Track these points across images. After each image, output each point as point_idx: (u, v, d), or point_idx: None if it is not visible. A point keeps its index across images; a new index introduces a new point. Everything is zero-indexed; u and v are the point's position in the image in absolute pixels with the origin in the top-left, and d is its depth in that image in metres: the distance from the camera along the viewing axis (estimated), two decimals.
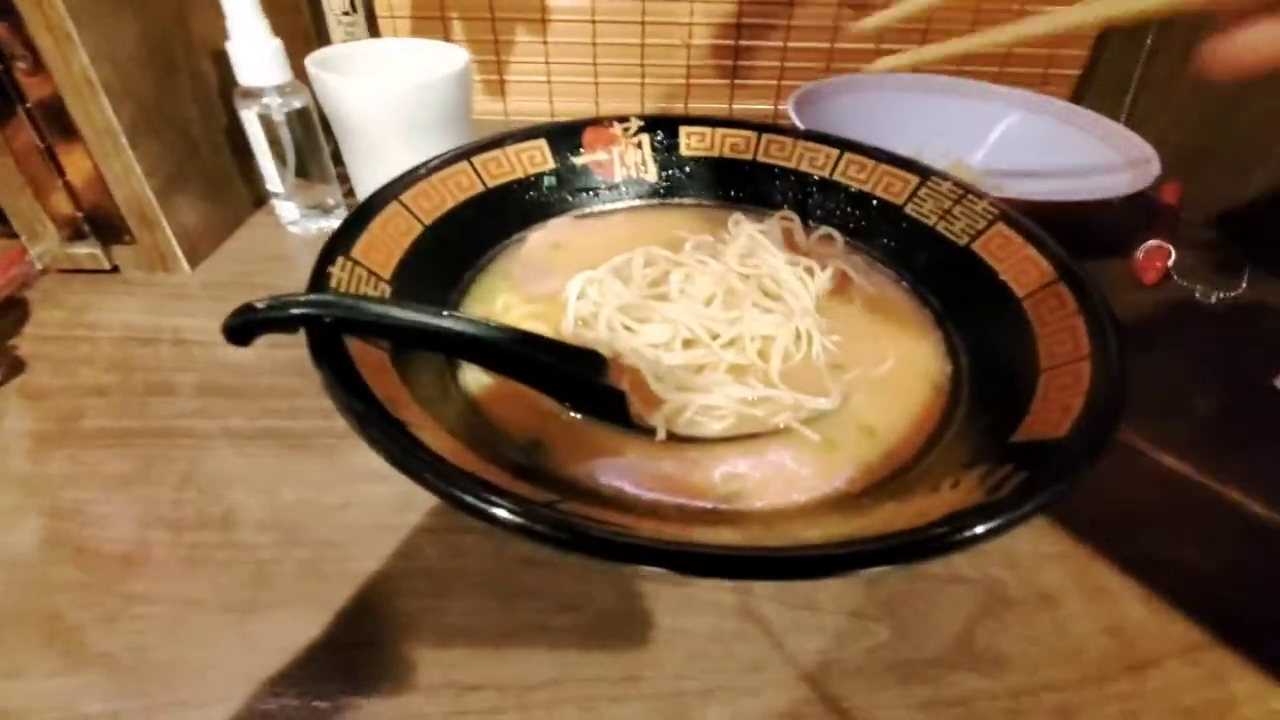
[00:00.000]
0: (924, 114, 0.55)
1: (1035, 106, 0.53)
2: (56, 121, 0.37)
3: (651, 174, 0.39)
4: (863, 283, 0.33)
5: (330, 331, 0.21)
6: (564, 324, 0.29)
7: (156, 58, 0.39)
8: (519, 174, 0.36)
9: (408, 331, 0.23)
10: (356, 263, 0.26)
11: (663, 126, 0.39)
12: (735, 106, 0.70)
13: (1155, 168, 0.43)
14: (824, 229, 0.36)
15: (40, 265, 0.40)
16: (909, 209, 0.35)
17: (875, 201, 0.36)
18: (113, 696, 0.22)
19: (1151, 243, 0.45)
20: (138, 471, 0.30)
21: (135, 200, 0.39)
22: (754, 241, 0.33)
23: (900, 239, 0.35)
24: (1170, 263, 0.44)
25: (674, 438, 0.25)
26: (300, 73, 0.42)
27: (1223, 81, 0.21)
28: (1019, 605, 0.26)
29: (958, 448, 0.24)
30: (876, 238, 0.36)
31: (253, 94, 0.42)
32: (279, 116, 0.42)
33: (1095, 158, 0.48)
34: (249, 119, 0.42)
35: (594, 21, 0.63)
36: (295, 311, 0.20)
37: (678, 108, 0.69)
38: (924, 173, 0.35)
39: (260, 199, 0.49)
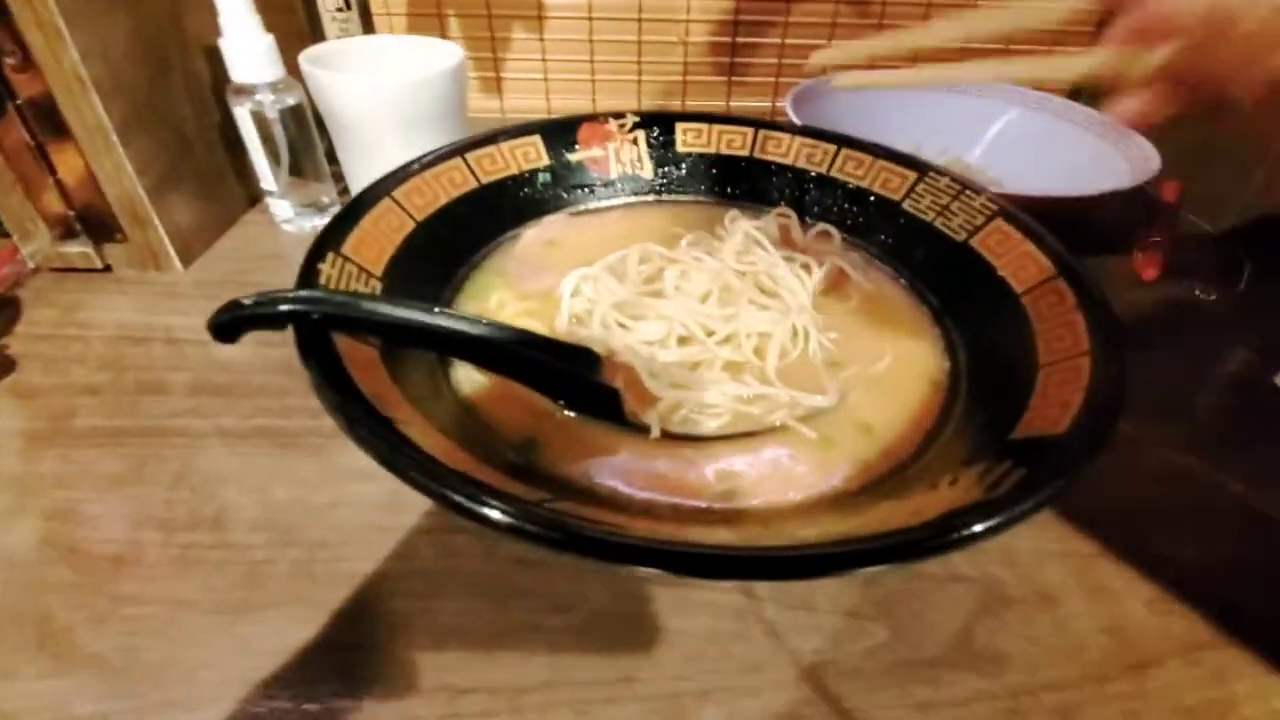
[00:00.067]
0: (922, 111, 0.55)
1: (1033, 103, 0.53)
2: (47, 119, 0.36)
3: (647, 171, 0.39)
4: (860, 279, 0.33)
5: (319, 328, 0.21)
6: (558, 321, 0.29)
7: (149, 55, 0.39)
8: (513, 170, 0.35)
9: (398, 328, 0.22)
10: (347, 259, 0.26)
11: (659, 123, 0.39)
12: (732, 104, 0.69)
13: (1154, 164, 0.43)
14: (821, 225, 0.36)
15: (32, 264, 0.40)
16: (906, 205, 0.35)
17: (872, 198, 0.36)
18: (104, 698, 0.22)
19: (1151, 240, 0.45)
20: (130, 471, 0.30)
21: (127, 198, 0.39)
22: (750, 238, 0.33)
23: (898, 235, 0.35)
24: (1169, 260, 0.44)
25: (669, 436, 0.25)
26: (294, 70, 0.42)
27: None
28: (1018, 604, 0.26)
29: (956, 445, 0.24)
30: (874, 234, 0.36)
31: (246, 91, 0.41)
32: (272, 114, 0.42)
33: (1094, 154, 0.48)
34: (242, 116, 0.42)
35: (591, 18, 0.63)
36: (283, 308, 0.20)
37: (675, 105, 0.69)
38: (921, 168, 0.35)
39: (254, 197, 0.49)
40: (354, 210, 0.28)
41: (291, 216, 0.46)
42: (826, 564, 0.15)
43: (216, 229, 0.46)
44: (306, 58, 0.41)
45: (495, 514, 0.15)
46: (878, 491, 0.22)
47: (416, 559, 0.26)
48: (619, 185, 0.38)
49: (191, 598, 0.25)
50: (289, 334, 0.22)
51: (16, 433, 0.31)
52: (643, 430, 0.25)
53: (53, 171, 0.38)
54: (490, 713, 0.22)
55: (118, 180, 0.38)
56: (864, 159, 0.36)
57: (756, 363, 0.27)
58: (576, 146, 0.37)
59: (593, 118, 0.38)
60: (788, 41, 0.66)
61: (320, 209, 0.47)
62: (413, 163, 0.31)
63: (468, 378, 0.27)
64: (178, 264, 0.42)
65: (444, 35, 0.63)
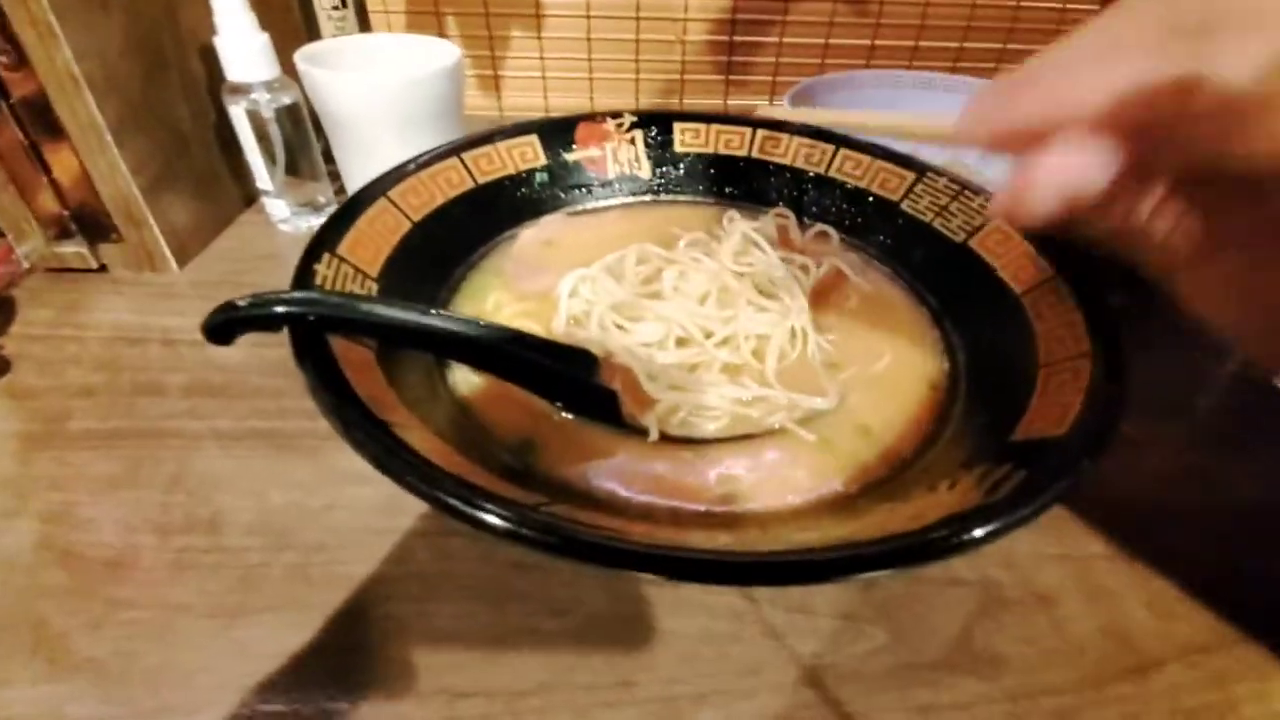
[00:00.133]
0: (920, 111, 0.55)
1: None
2: (41, 119, 0.36)
3: (645, 170, 0.38)
4: (859, 280, 0.33)
5: (315, 330, 0.21)
6: (556, 322, 0.29)
7: (143, 53, 0.39)
8: (510, 170, 0.35)
9: (394, 330, 0.22)
10: (343, 260, 0.25)
11: (657, 122, 0.38)
12: (730, 103, 0.69)
13: None
14: (819, 226, 0.36)
15: (27, 264, 0.40)
16: (905, 205, 0.35)
17: (871, 198, 0.36)
18: (99, 703, 0.22)
19: None
20: (125, 473, 0.29)
21: (122, 198, 0.39)
22: (748, 239, 0.32)
23: (897, 236, 0.35)
24: None
25: (667, 438, 0.25)
26: (290, 68, 0.42)
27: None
28: (1017, 606, 0.26)
29: (956, 447, 0.23)
30: (872, 234, 0.36)
31: (241, 90, 0.41)
32: (268, 113, 0.42)
33: None
34: (238, 115, 0.42)
35: (589, 16, 0.63)
36: (278, 310, 0.20)
37: (673, 104, 0.69)
38: (920, 169, 0.35)
39: (250, 197, 0.48)
40: (350, 210, 0.28)
41: (288, 216, 0.46)
42: (826, 570, 0.15)
43: (212, 229, 0.46)
44: (302, 56, 0.41)
45: (492, 519, 0.15)
46: (877, 494, 0.22)
47: (413, 562, 0.26)
48: (616, 185, 0.38)
49: (187, 601, 0.25)
50: (285, 335, 0.21)
51: (11, 434, 0.31)
52: (641, 433, 0.25)
53: (47, 171, 0.38)
54: (487, 716, 0.22)
55: (112, 180, 0.38)
56: (862, 159, 0.36)
57: (755, 365, 0.27)
58: (574, 146, 0.37)
59: (590, 117, 0.38)
60: (785, 41, 0.66)
61: (317, 208, 0.47)
62: (409, 162, 0.31)
63: (464, 379, 0.27)
64: (173, 264, 0.42)
65: (441, 33, 0.63)
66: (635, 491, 0.22)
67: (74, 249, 0.40)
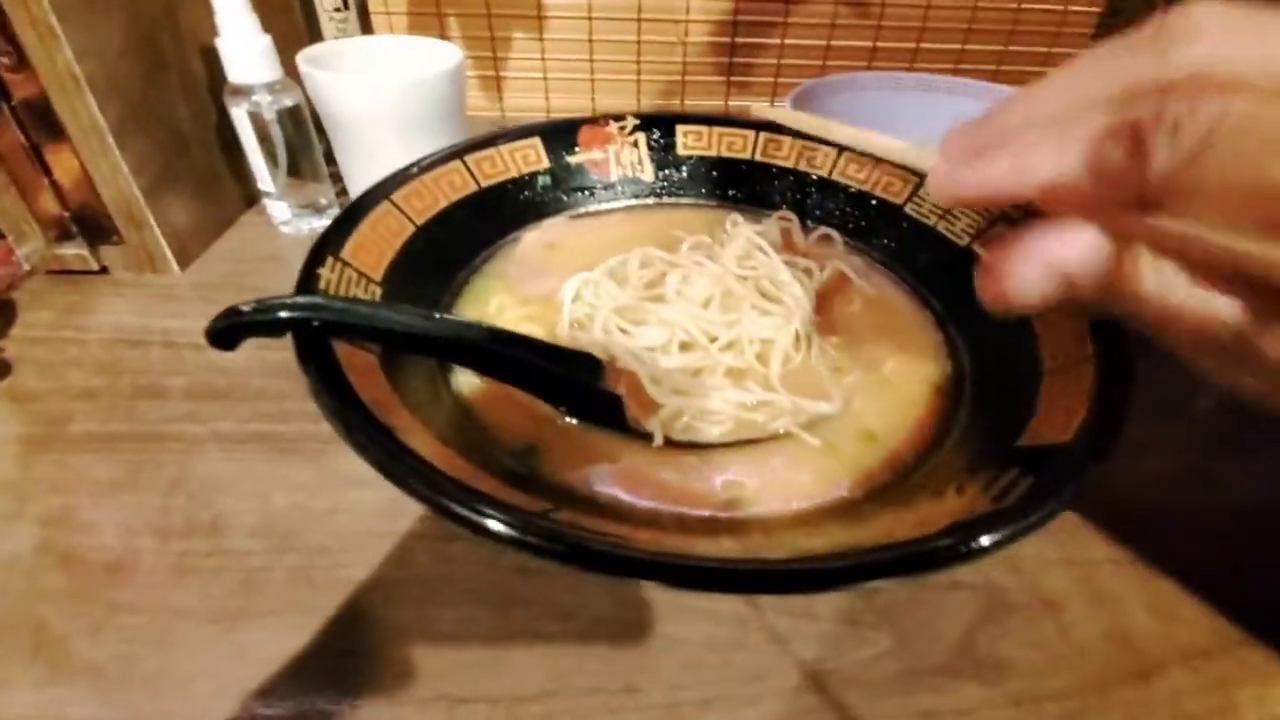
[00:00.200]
0: (922, 113, 0.55)
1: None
2: (42, 120, 0.36)
3: (648, 173, 0.38)
4: (862, 284, 0.33)
5: (318, 335, 0.21)
6: (559, 326, 0.29)
7: (144, 54, 0.39)
8: (513, 173, 0.35)
9: (398, 335, 0.22)
10: (346, 264, 0.25)
11: (659, 125, 0.38)
12: (731, 104, 0.69)
13: None
14: (823, 229, 0.36)
15: (27, 266, 0.40)
16: (909, 209, 0.35)
17: (875, 201, 0.36)
18: (99, 708, 0.22)
19: None
20: (126, 476, 0.29)
21: (123, 200, 0.39)
22: (751, 243, 0.32)
23: (900, 239, 0.35)
24: None
25: (671, 443, 0.25)
26: (292, 70, 0.42)
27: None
28: (1021, 611, 0.26)
29: (961, 452, 0.23)
30: (876, 238, 0.36)
31: (243, 91, 0.41)
32: (270, 114, 0.42)
33: None
34: (239, 117, 0.42)
35: (590, 18, 0.63)
36: (282, 315, 0.20)
37: (674, 105, 0.69)
38: (923, 172, 0.34)
39: (251, 198, 0.48)
40: (353, 214, 0.27)
41: (289, 218, 0.46)
42: (833, 578, 0.15)
43: (214, 230, 0.45)
44: (304, 58, 0.41)
45: (496, 525, 0.15)
46: (882, 499, 0.22)
47: (415, 565, 0.26)
48: (619, 188, 0.38)
49: (188, 605, 0.25)
50: (288, 337, 0.21)
51: (12, 438, 0.31)
52: (645, 437, 0.24)
53: (48, 173, 0.38)
54: None
55: (113, 181, 0.38)
56: (865, 162, 0.36)
57: (759, 369, 0.27)
58: (576, 149, 0.37)
59: (593, 120, 0.38)
60: (787, 42, 0.66)
61: (318, 210, 0.47)
62: (412, 166, 0.31)
63: (468, 383, 0.27)
64: (174, 266, 0.41)
65: (443, 35, 0.63)
66: (639, 497, 0.22)
67: (75, 251, 0.40)
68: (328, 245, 0.25)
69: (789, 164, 0.38)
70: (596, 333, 0.28)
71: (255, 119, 0.41)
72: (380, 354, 0.23)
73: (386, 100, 0.40)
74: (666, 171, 0.39)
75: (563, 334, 0.28)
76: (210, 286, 0.42)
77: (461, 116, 0.45)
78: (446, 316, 0.28)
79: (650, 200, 0.39)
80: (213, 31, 0.40)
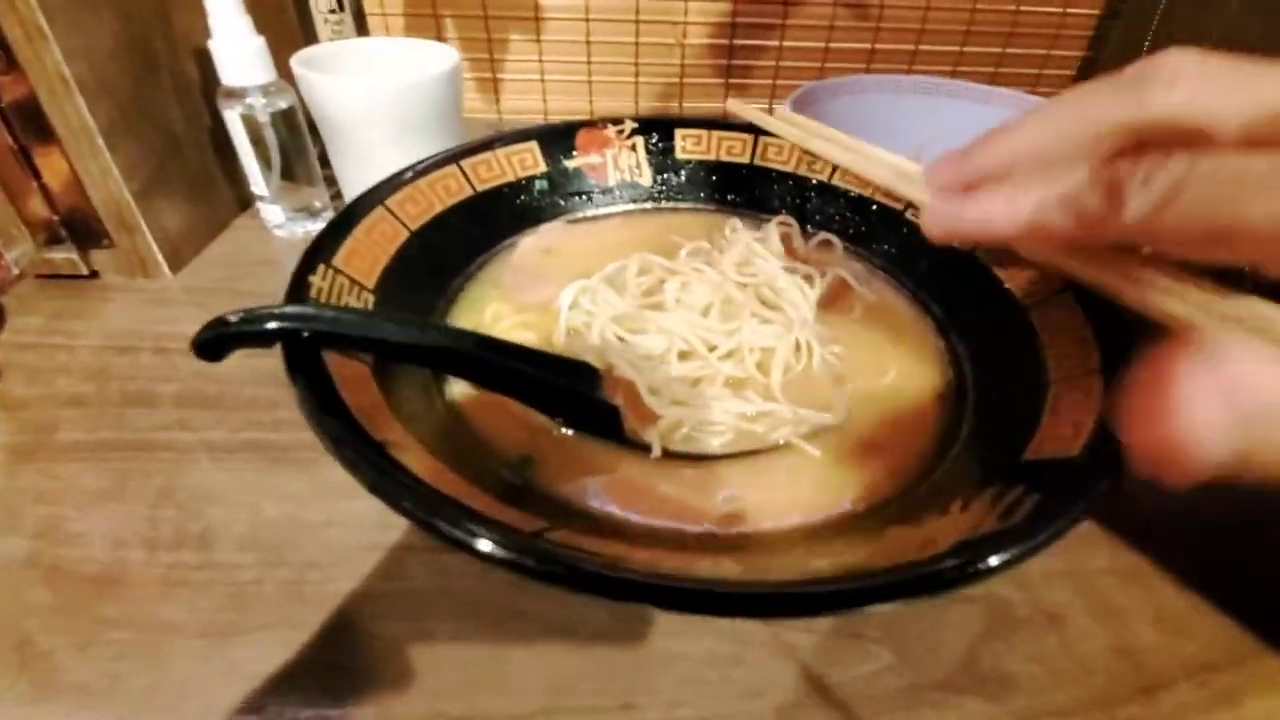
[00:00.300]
0: (922, 116, 0.54)
1: (1033, 108, 0.53)
2: (31, 122, 0.35)
3: (646, 178, 0.38)
4: (863, 290, 0.32)
5: (308, 345, 0.20)
6: (556, 334, 0.28)
7: (136, 55, 0.38)
8: (510, 177, 0.35)
9: (390, 346, 0.22)
10: (338, 271, 0.25)
11: (658, 129, 0.38)
12: (725, 108, 0.69)
13: None
14: (823, 234, 0.36)
15: (16, 270, 0.39)
16: (909, 214, 0.34)
17: (875, 206, 0.35)
18: None
19: None
20: (114, 486, 0.29)
21: (113, 203, 0.38)
22: (750, 249, 0.32)
23: (901, 245, 0.34)
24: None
25: (670, 455, 0.24)
26: (286, 72, 0.41)
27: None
28: (1025, 625, 0.25)
29: (965, 465, 0.23)
30: (877, 243, 0.35)
31: (236, 94, 0.40)
32: (263, 117, 0.41)
33: None
34: (232, 120, 0.41)
35: (588, 20, 0.62)
36: (270, 325, 0.19)
37: (673, 107, 0.68)
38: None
39: (245, 201, 0.48)
40: (346, 220, 0.27)
41: (283, 221, 0.45)
42: (839, 602, 0.14)
43: (206, 234, 0.45)
44: (298, 60, 0.41)
45: (487, 547, 0.15)
46: (886, 514, 0.22)
47: (409, 578, 0.26)
48: (617, 192, 0.38)
49: (177, 620, 0.24)
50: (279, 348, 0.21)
51: None
52: (643, 449, 0.24)
53: (37, 175, 0.37)
54: None
55: (104, 184, 0.37)
56: None
57: (760, 378, 0.27)
58: (574, 153, 0.37)
59: (590, 123, 0.37)
60: (786, 44, 0.65)
61: (313, 214, 0.46)
62: (406, 170, 0.31)
63: (462, 393, 0.26)
64: (166, 270, 0.41)
65: (439, 37, 0.62)
66: (637, 512, 0.22)
67: (64, 255, 0.39)
68: (319, 252, 0.25)
69: (788, 168, 0.37)
70: (594, 341, 0.27)
71: (248, 122, 0.41)
72: (372, 363, 0.23)
73: (382, 103, 0.40)
74: (665, 176, 0.38)
75: (559, 342, 0.28)
76: (203, 291, 0.41)
77: (458, 119, 0.44)
78: (440, 325, 0.28)
79: (648, 205, 0.38)
80: (206, 33, 0.39)
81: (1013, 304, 0.28)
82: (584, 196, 0.37)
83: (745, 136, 0.38)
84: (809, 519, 0.22)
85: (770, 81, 0.68)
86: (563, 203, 0.37)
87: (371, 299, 0.26)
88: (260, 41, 0.40)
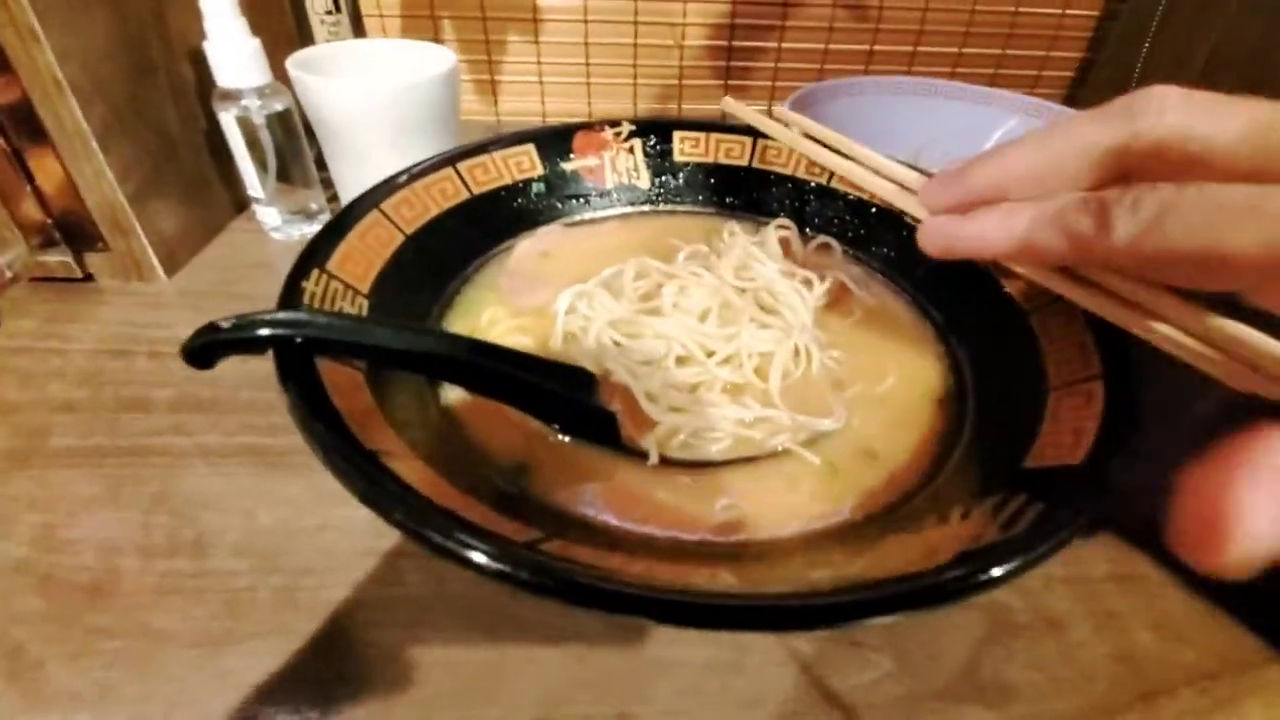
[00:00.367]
0: (920, 118, 0.54)
1: (1033, 111, 0.53)
2: (24, 124, 0.35)
3: (644, 180, 0.38)
4: (862, 294, 0.32)
5: (301, 351, 0.20)
6: (552, 339, 0.28)
7: (130, 56, 0.38)
8: (506, 180, 0.34)
9: (384, 352, 0.21)
10: (332, 276, 0.25)
11: (656, 131, 0.38)
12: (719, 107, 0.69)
13: None
14: (821, 238, 0.35)
15: (10, 273, 0.39)
16: (908, 217, 0.34)
17: (874, 209, 0.35)
18: None
19: None
20: (107, 492, 0.29)
21: (108, 206, 0.38)
22: (748, 253, 0.32)
23: (900, 248, 0.34)
24: None
25: (667, 462, 0.24)
26: (282, 74, 0.41)
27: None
28: (1026, 632, 0.25)
29: (965, 472, 0.23)
30: (876, 247, 0.35)
31: (231, 96, 0.40)
32: (259, 119, 0.41)
33: None
34: (228, 122, 0.41)
35: (586, 21, 0.62)
36: (262, 332, 0.19)
37: (671, 109, 0.68)
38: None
39: (241, 203, 0.47)
40: (340, 224, 0.27)
41: (279, 224, 0.45)
42: (839, 615, 0.14)
43: (202, 237, 0.45)
44: (294, 62, 0.40)
45: (480, 559, 0.15)
46: (885, 523, 0.21)
47: (404, 585, 0.26)
48: (615, 195, 0.37)
49: (170, 629, 0.24)
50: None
51: None
52: (640, 456, 0.24)
53: (30, 178, 0.37)
54: None
55: (98, 187, 0.37)
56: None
57: (758, 384, 0.27)
58: (571, 155, 0.36)
59: (588, 126, 0.37)
60: (785, 45, 0.65)
61: (309, 216, 0.46)
62: (401, 174, 0.30)
63: (458, 398, 0.26)
64: (161, 273, 0.41)
65: (437, 38, 0.62)
66: (633, 521, 0.22)
67: (58, 258, 0.39)
68: (313, 257, 0.24)
69: (787, 171, 0.37)
70: (590, 346, 0.27)
71: (244, 124, 0.41)
72: (366, 369, 0.23)
73: (379, 105, 0.39)
74: (663, 178, 0.38)
75: (556, 347, 0.28)
76: (198, 294, 0.41)
77: (455, 121, 0.44)
78: (434, 331, 0.28)
79: (646, 207, 0.38)
80: (201, 34, 0.39)
81: (1013, 308, 0.27)
82: (581, 199, 0.37)
83: (744, 139, 0.37)
84: (807, 527, 0.22)
85: (769, 83, 0.67)
86: (560, 206, 0.36)
87: (366, 304, 0.26)
88: (256, 43, 0.40)
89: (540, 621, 0.24)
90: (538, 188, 0.36)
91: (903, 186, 0.28)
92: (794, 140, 0.33)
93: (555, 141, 0.36)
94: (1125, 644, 0.25)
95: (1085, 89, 0.68)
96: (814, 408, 0.26)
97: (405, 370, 0.24)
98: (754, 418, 0.25)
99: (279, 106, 0.41)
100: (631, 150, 0.37)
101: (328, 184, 0.47)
